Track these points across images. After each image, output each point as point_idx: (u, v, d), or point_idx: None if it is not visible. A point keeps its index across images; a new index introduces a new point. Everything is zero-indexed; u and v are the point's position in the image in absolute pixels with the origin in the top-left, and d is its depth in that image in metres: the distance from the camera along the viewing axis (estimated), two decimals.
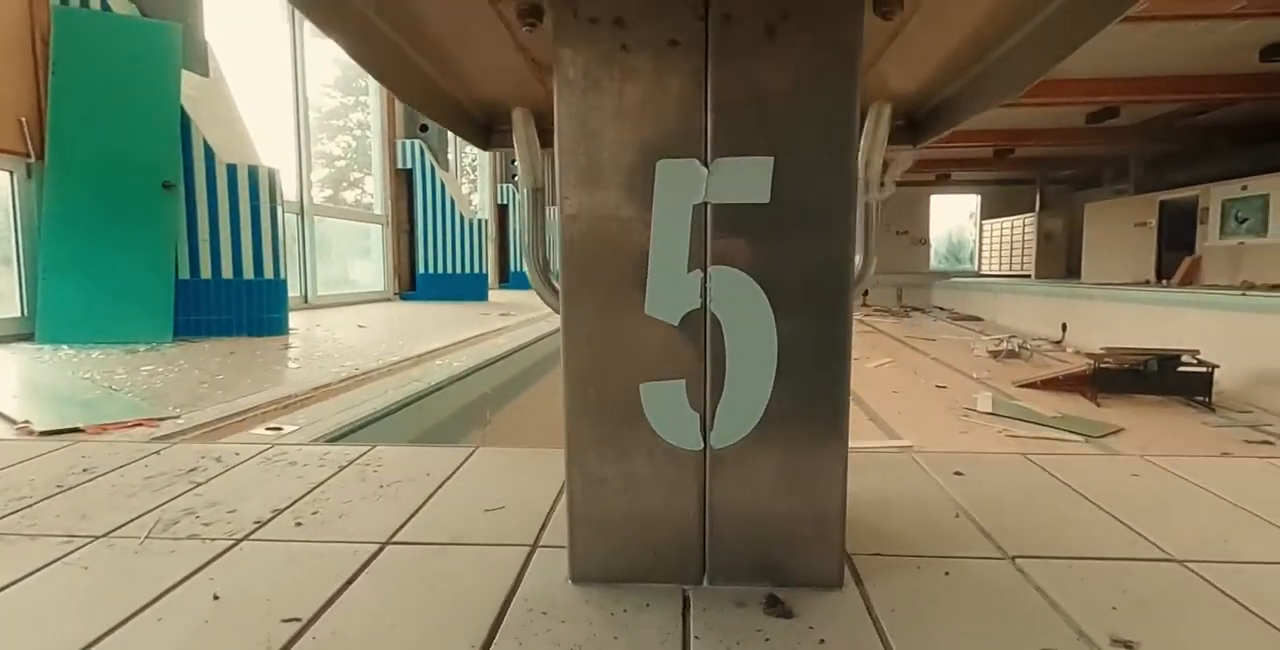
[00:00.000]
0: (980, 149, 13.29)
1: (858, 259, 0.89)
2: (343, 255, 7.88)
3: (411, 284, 8.50)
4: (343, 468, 0.99)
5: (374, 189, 8.48)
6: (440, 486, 0.92)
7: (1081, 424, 6.61)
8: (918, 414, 6.80)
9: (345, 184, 13.68)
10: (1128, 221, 12.40)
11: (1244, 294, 8.21)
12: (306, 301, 6.63)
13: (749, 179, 0.60)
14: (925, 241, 19.30)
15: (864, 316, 16.28)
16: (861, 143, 0.89)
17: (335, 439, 1.50)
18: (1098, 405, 7.53)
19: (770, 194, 0.60)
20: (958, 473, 0.87)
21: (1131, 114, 10.42)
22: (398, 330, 4.77)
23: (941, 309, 17.38)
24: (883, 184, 0.86)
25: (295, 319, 5.40)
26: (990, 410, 6.98)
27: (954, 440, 5.85)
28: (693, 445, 0.64)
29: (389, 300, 8.20)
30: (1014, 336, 11.39)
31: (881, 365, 9.68)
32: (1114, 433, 6.40)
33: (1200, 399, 7.47)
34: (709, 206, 0.61)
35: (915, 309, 17.86)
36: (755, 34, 0.58)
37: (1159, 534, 0.70)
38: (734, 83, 0.59)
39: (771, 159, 0.59)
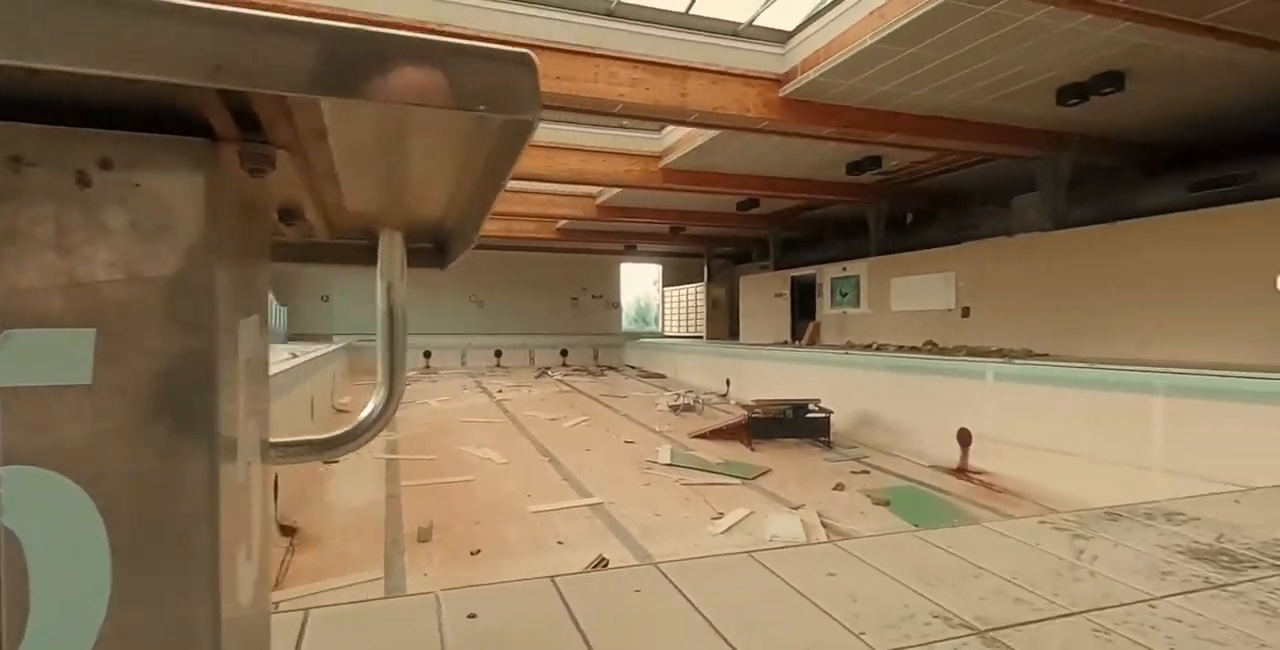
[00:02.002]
0: (659, 225, 15.01)
1: (381, 393, 0.80)
2: None
3: None
4: None
5: None
6: None
7: (740, 468, 7.47)
8: (608, 470, 7.09)
9: None
10: (770, 292, 14.94)
11: (846, 352, 10.28)
12: None
13: (60, 355, 0.47)
14: (617, 305, 21.02)
15: (564, 376, 16.91)
16: (379, 269, 0.83)
17: None
18: (752, 450, 8.61)
19: (93, 373, 0.47)
20: (471, 615, 0.82)
21: (769, 205, 12.73)
22: None
23: (632, 367, 18.89)
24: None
25: None
26: (669, 461, 7.56)
27: (639, 493, 6.18)
28: None
29: None
30: (690, 391, 12.72)
31: (577, 424, 10.02)
32: (764, 474, 7.33)
33: (823, 439, 9.01)
34: None
35: (610, 368, 19.15)
36: (63, 181, 0.47)
37: None
38: (31, 237, 0.47)
39: (94, 330, 0.47)
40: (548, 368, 18.66)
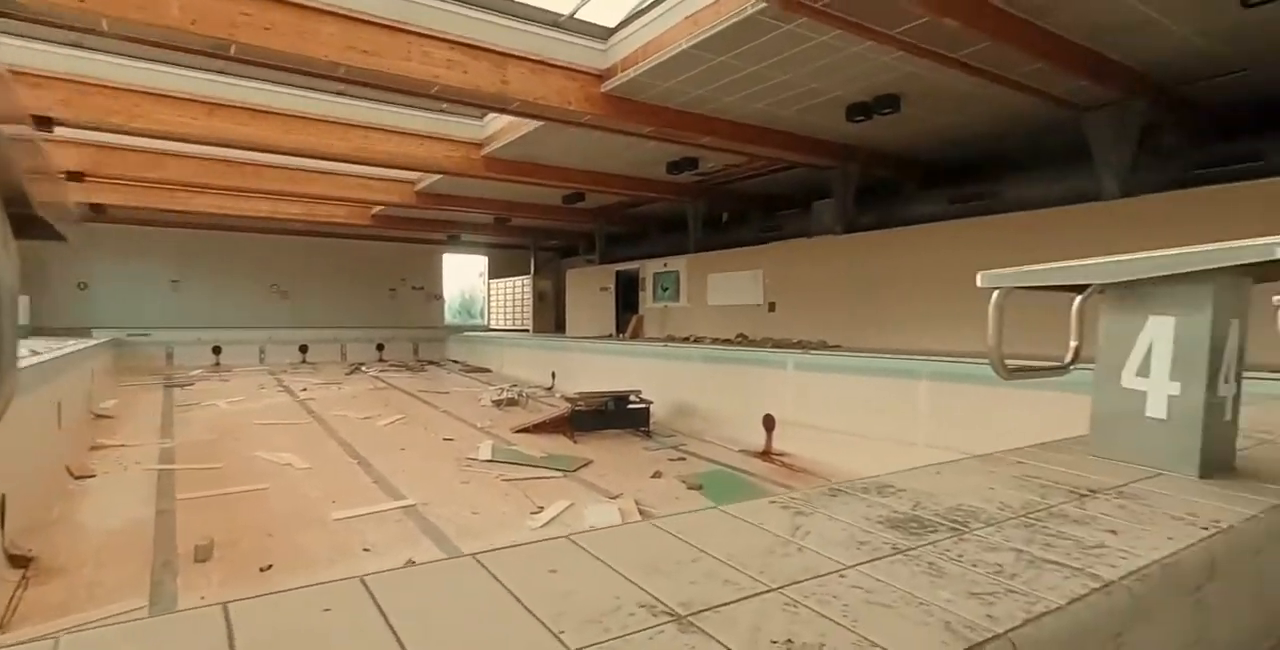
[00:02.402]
0: (484, 215, 14.59)
1: None
2: None
3: None
4: None
5: None
6: None
7: (562, 461, 7.48)
8: (424, 470, 6.78)
9: None
10: (595, 286, 15.14)
11: (665, 345, 10.68)
12: None
13: None
14: (439, 297, 20.17)
15: (379, 373, 15.92)
16: None
17: None
18: (575, 442, 8.66)
19: None
20: None
21: (594, 200, 12.85)
22: None
23: (456, 362, 18.25)
24: None
25: None
26: (490, 458, 7.39)
27: (457, 492, 5.97)
28: None
29: None
30: (515, 385, 12.55)
31: (392, 423, 9.48)
32: (585, 465, 7.41)
33: (643, 429, 9.27)
34: None
35: (431, 363, 18.33)
36: None
37: None
38: None
39: None
40: (361, 363, 17.45)
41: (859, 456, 7.04)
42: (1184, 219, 6.23)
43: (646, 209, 13.88)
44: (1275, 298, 2.10)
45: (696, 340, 11.12)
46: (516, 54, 6.43)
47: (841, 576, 0.66)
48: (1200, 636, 0.76)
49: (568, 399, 9.16)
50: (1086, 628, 0.61)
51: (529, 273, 18.86)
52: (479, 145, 9.58)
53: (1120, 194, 6.91)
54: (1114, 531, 0.80)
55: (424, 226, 16.09)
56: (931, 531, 0.79)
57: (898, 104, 7.02)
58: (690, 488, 6.45)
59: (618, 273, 14.56)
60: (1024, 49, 5.43)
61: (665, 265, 12.98)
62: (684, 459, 8.01)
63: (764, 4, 5.00)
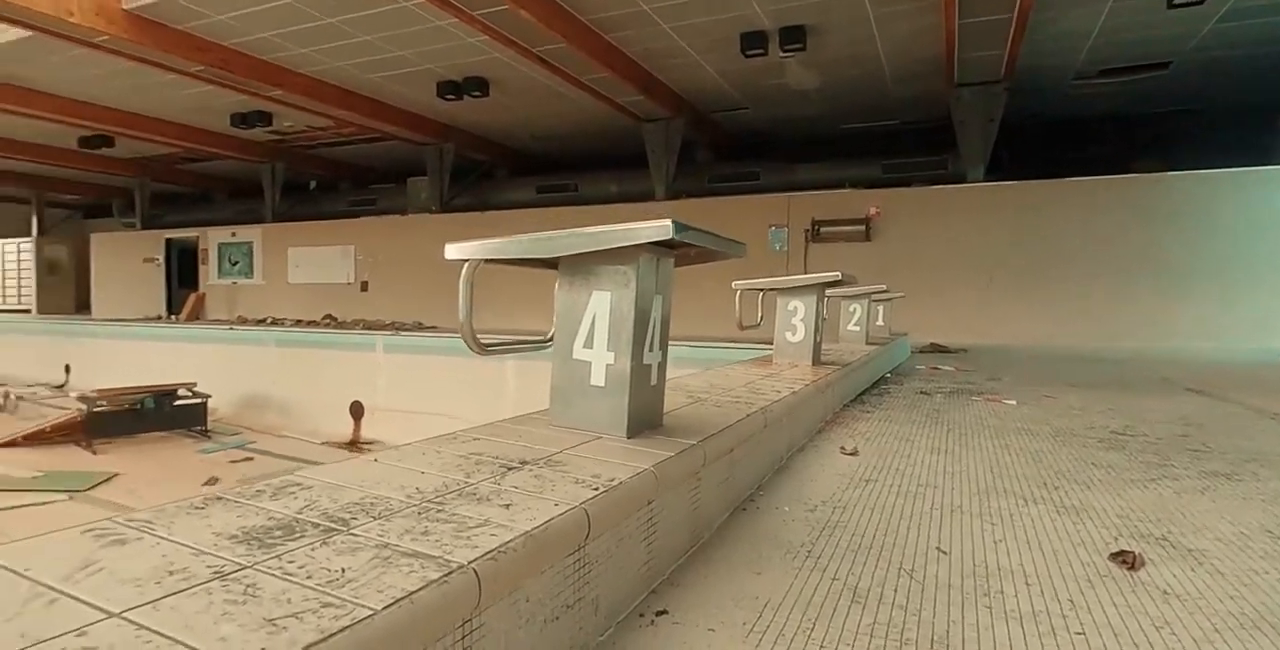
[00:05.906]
0: None
1: None
2: None
3: None
4: None
5: None
6: None
7: (70, 478, 5.87)
8: None
9: None
10: (138, 256, 12.16)
11: (232, 328, 9.16)
12: None
13: None
14: None
15: None
16: None
17: None
18: (94, 453, 6.89)
19: None
20: None
21: (129, 147, 10.20)
22: None
23: None
24: None
25: None
26: None
27: None
28: None
29: None
30: (1, 385, 9.40)
31: None
32: (106, 480, 5.95)
33: (199, 428, 7.82)
34: None
35: None
36: None
37: None
38: None
39: None
40: None
41: None
42: (708, 221, 7.66)
43: (210, 166, 11.60)
44: (734, 282, 2.61)
45: (275, 322, 9.78)
46: None
47: (81, 634, 0.48)
48: (581, 596, 0.78)
49: (82, 399, 7.17)
50: (407, 628, 0.54)
51: (30, 234, 14.15)
52: None
53: (666, 197, 8.19)
54: (509, 505, 0.79)
55: None
56: (296, 538, 0.66)
57: (487, 88, 7.11)
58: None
59: (169, 241, 11.93)
60: (592, 56, 5.96)
61: (234, 235, 11.07)
62: (251, 459, 7.03)
63: None
